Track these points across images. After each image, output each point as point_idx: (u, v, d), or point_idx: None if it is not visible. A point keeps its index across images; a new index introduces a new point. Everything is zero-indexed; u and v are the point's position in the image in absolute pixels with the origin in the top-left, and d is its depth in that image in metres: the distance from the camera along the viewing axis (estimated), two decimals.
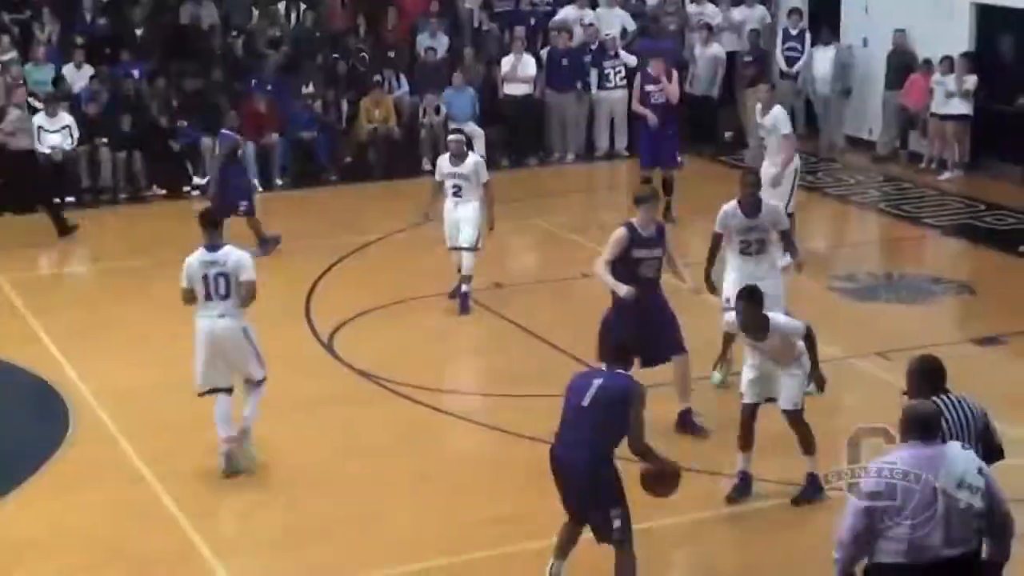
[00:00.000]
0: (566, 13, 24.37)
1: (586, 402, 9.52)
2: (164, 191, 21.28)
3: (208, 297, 11.79)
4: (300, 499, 11.71)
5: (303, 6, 24.20)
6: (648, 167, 19.13)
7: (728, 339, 12.45)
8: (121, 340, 15.07)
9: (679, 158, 19.46)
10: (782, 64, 23.88)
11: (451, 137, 16.39)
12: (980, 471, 7.82)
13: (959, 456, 7.85)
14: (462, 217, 15.73)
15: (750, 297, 10.97)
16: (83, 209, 20.54)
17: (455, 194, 15.78)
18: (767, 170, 16.09)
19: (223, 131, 18.37)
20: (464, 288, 15.82)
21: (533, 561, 10.39)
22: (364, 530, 11.05)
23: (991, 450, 8.64)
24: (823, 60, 23.38)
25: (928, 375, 8.69)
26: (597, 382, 9.59)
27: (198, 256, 11.85)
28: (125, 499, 11.61)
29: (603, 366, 9.88)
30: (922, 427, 7.87)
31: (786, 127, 16.64)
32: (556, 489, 9.72)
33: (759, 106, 17.02)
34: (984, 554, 7.99)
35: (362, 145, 22.59)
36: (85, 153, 20.93)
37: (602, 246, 12.66)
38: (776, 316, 11.22)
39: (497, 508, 11.35)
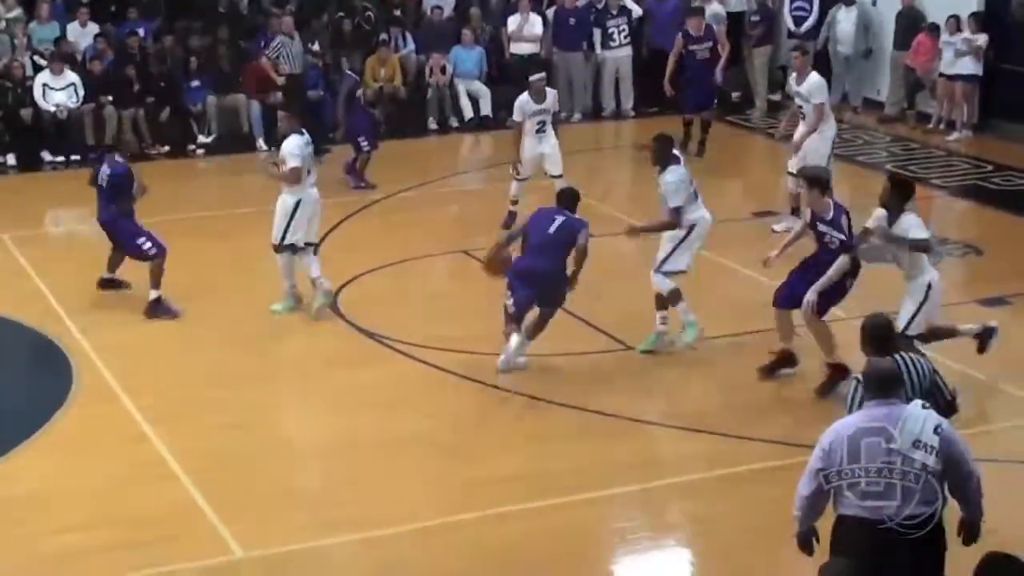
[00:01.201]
0: None
1: (552, 231, 12.86)
2: (167, 148, 21.18)
3: (309, 172, 14.34)
4: (301, 459, 11.69)
5: None
6: (691, 112, 20.90)
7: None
8: (125, 299, 14.99)
9: (715, 103, 21.40)
10: (790, 24, 23.76)
11: (537, 76, 17.34)
12: (937, 430, 7.78)
13: (916, 415, 7.82)
14: (549, 151, 17.04)
15: None
16: (88, 167, 20.45)
17: (539, 131, 16.91)
18: (804, 138, 16.55)
19: (347, 72, 20.20)
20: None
21: (529, 520, 10.40)
22: (364, 490, 11.02)
23: (939, 407, 8.64)
24: (847, 20, 23.19)
25: (870, 335, 8.76)
26: (559, 218, 12.99)
27: (306, 140, 14.31)
28: (127, 457, 11.58)
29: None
30: (879, 387, 7.91)
31: (822, 95, 16.67)
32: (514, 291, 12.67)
33: (793, 74, 17.09)
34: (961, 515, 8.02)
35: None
36: (90, 111, 20.84)
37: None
38: None
39: (494, 468, 11.32)
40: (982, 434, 11.46)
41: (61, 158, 20.53)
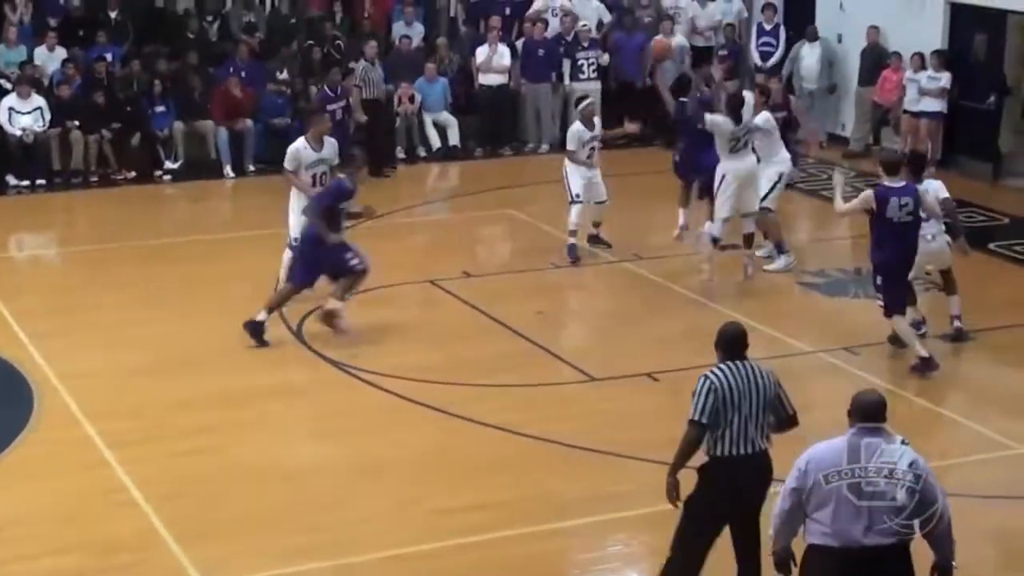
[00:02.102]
0: (541, 3, 24.31)
1: None
2: (134, 174, 21.03)
3: None
4: (265, 486, 11.61)
5: None
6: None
7: None
8: (88, 324, 14.93)
9: None
10: (757, 59, 23.95)
11: (586, 103, 17.49)
12: (912, 465, 7.84)
13: (892, 449, 7.89)
14: (598, 179, 17.20)
15: None
16: (53, 192, 20.41)
17: (589, 156, 17.14)
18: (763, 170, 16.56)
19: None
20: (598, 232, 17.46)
21: (495, 550, 10.37)
22: (327, 518, 10.96)
23: (781, 419, 8.88)
24: (810, 56, 23.33)
25: (722, 341, 8.98)
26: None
27: None
28: (89, 484, 11.48)
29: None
30: (863, 415, 8.00)
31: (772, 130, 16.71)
32: None
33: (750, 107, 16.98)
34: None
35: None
36: (56, 136, 20.72)
37: None
38: None
39: (461, 498, 11.28)
40: (943, 468, 11.47)
41: (26, 183, 20.39)
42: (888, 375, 13.68)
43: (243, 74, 22.01)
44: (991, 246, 18.09)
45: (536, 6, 24.23)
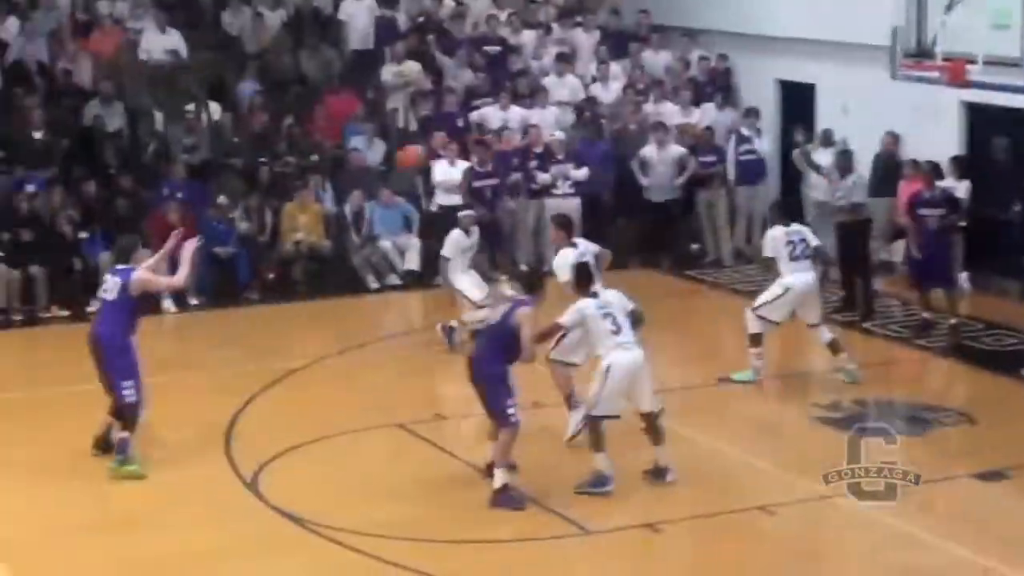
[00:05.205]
0: (486, 112, 24.66)
1: None
2: (66, 312, 21.02)
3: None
4: None
5: (218, 106, 24.26)
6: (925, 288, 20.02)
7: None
8: (16, 483, 14.79)
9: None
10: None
11: (466, 214, 19.53)
12: None
13: None
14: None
15: None
16: None
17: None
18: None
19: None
20: None
21: None
22: None
23: None
24: (822, 160, 23.29)
25: None
26: None
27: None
28: None
29: None
30: None
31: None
32: None
33: None
34: None
35: (287, 260, 22.52)
36: None
37: None
38: None
39: None
40: None
41: None
42: (919, 517, 13.61)
43: (180, 195, 22.04)
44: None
45: (478, 115, 24.65)
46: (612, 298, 14.28)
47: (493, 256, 21.99)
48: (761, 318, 17.40)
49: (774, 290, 17.47)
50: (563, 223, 16.75)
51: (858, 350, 18.49)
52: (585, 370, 14.97)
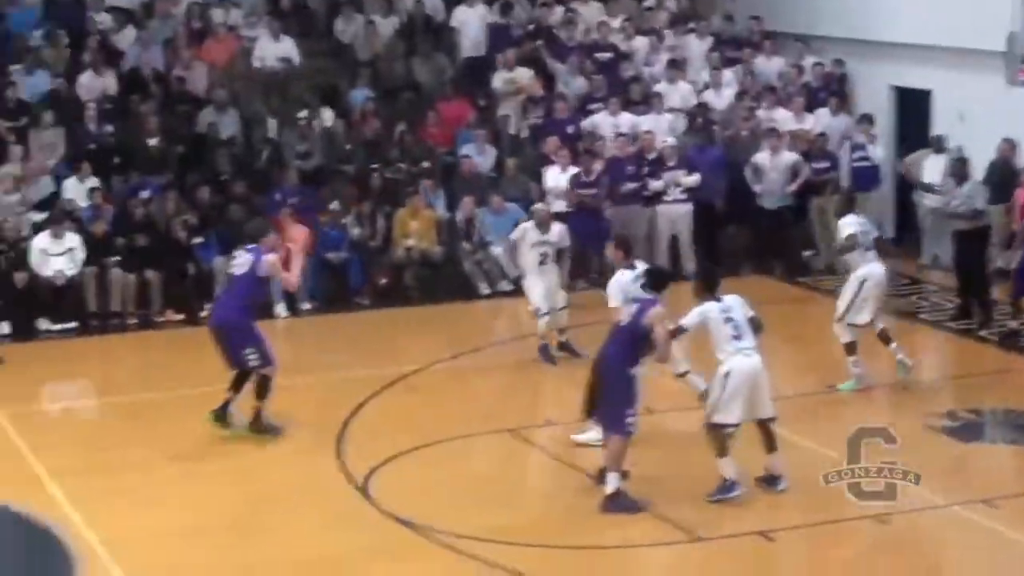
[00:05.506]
0: (597, 119, 24.68)
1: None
2: (180, 316, 21.34)
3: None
4: None
5: (330, 113, 24.49)
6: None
7: None
8: (132, 484, 15.02)
9: None
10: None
11: (540, 206, 19.55)
12: None
13: None
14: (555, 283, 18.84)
15: None
16: (88, 336, 20.65)
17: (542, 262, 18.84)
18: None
19: None
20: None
21: None
22: None
23: None
24: (933, 168, 23.24)
25: None
26: None
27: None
28: None
29: None
30: None
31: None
32: None
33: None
34: None
35: (398, 266, 22.69)
36: (93, 275, 21.04)
37: None
38: None
39: None
40: None
41: (59, 327, 20.66)
42: None
43: (292, 201, 22.30)
44: None
45: (590, 122, 24.66)
46: (734, 303, 14.29)
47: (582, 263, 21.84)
48: (851, 325, 17.35)
49: (851, 288, 17.41)
50: (622, 243, 16.83)
51: (973, 358, 18.35)
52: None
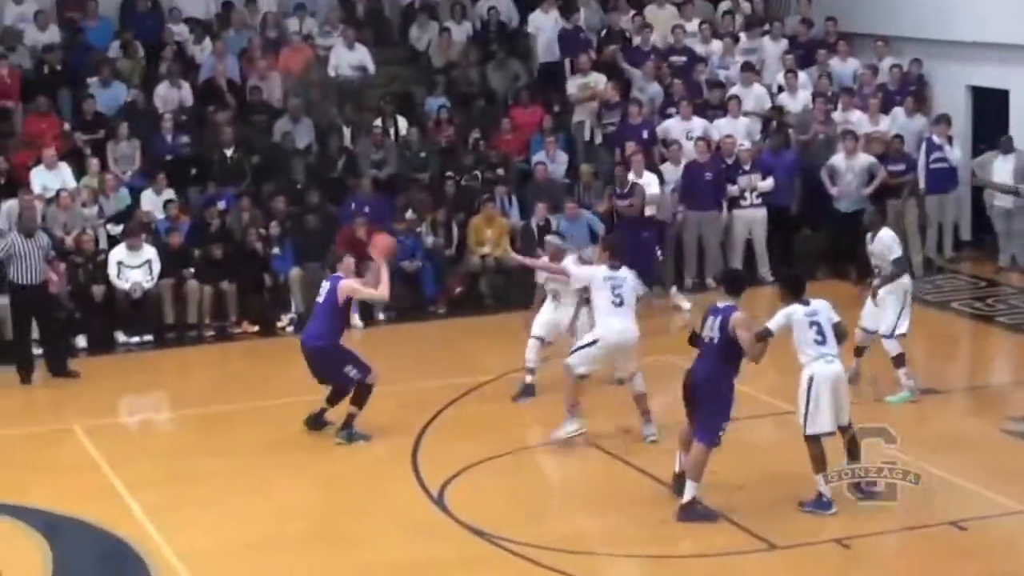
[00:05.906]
0: (670, 124, 24.66)
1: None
2: (256, 328, 21.50)
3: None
4: None
5: (405, 121, 24.60)
6: None
7: None
8: (209, 495, 15.14)
9: None
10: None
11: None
12: None
13: None
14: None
15: None
16: (165, 348, 20.83)
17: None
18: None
19: None
20: None
21: None
22: None
23: None
24: (1002, 170, 23.12)
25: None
26: None
27: None
28: None
29: None
30: None
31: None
32: None
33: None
34: None
35: (473, 274, 22.75)
36: (169, 287, 21.21)
37: None
38: None
39: None
40: None
41: (136, 339, 20.86)
42: None
43: (367, 210, 22.37)
44: None
45: (663, 127, 24.62)
46: (821, 307, 14.25)
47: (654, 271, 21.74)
48: (901, 336, 17.16)
49: (895, 301, 17.16)
50: (610, 246, 16.76)
51: None
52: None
